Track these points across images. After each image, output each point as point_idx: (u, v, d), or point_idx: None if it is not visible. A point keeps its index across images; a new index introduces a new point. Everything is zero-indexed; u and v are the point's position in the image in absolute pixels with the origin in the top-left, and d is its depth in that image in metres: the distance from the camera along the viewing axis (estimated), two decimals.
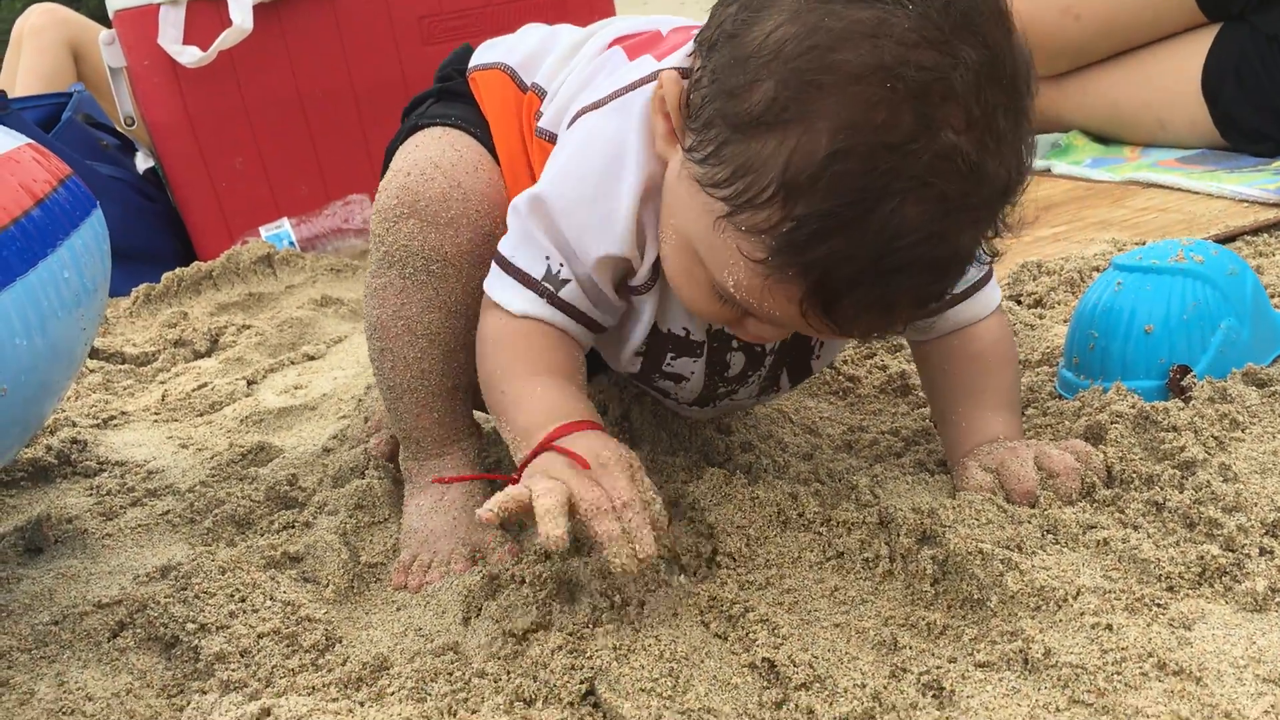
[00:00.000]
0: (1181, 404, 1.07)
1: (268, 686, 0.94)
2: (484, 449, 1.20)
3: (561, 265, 0.97)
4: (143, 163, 2.73)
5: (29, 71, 3.40)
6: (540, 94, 1.10)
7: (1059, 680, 0.76)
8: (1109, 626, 0.80)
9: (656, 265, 0.98)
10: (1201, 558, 0.85)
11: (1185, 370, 1.10)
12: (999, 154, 0.78)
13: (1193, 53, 2.08)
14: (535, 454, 0.94)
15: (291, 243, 2.46)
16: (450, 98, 1.18)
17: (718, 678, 0.85)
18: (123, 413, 1.67)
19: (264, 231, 2.48)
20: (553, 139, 1.06)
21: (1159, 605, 0.83)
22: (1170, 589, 0.85)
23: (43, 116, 2.73)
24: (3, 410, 1.02)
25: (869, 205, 0.75)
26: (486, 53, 1.19)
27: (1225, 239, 1.61)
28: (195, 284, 2.31)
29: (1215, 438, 1.03)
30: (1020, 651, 0.80)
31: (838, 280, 0.79)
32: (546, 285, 0.98)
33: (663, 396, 1.16)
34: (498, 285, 1.01)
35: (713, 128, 0.81)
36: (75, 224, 1.17)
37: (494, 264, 1.01)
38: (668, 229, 0.91)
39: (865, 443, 1.21)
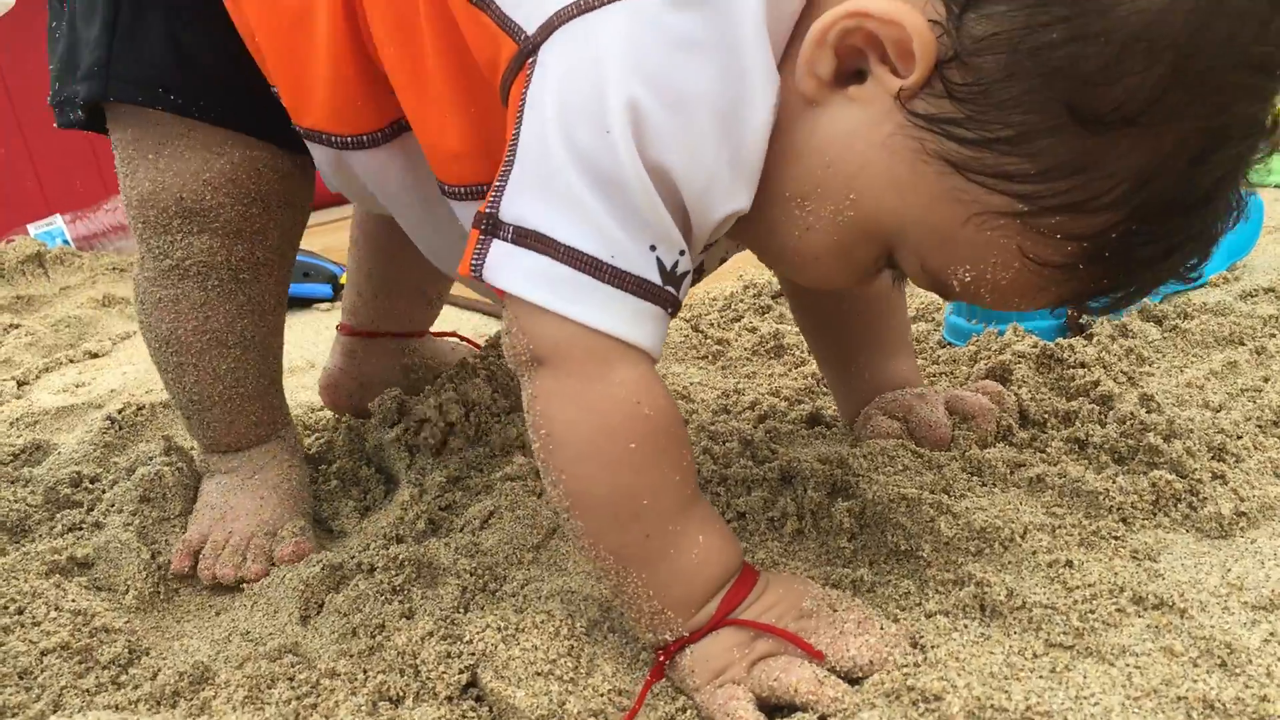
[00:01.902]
0: (1085, 341, 1.00)
1: (56, 710, 0.76)
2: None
3: (681, 253, 0.64)
4: None
5: None
6: None
7: (1030, 623, 0.66)
8: (1068, 563, 0.71)
9: None
10: (1154, 485, 0.77)
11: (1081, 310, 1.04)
12: None
13: None
14: (704, 633, 0.68)
15: (66, 241, 2.20)
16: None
17: (624, 655, 0.72)
18: None
19: (32, 229, 2.21)
20: (478, 2, 0.68)
21: (1116, 538, 0.74)
22: (1124, 520, 0.76)
23: None
24: None
25: (1211, 197, 0.61)
26: None
27: None
28: None
29: (1125, 373, 0.96)
30: (975, 597, 0.69)
31: (1149, 270, 0.64)
32: (669, 290, 0.64)
33: None
34: (611, 310, 0.63)
35: (1020, 110, 0.58)
36: None
37: (572, 272, 0.62)
38: (823, 205, 0.65)
39: (744, 404, 1.09)
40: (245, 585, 0.91)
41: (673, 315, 0.66)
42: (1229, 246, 1.18)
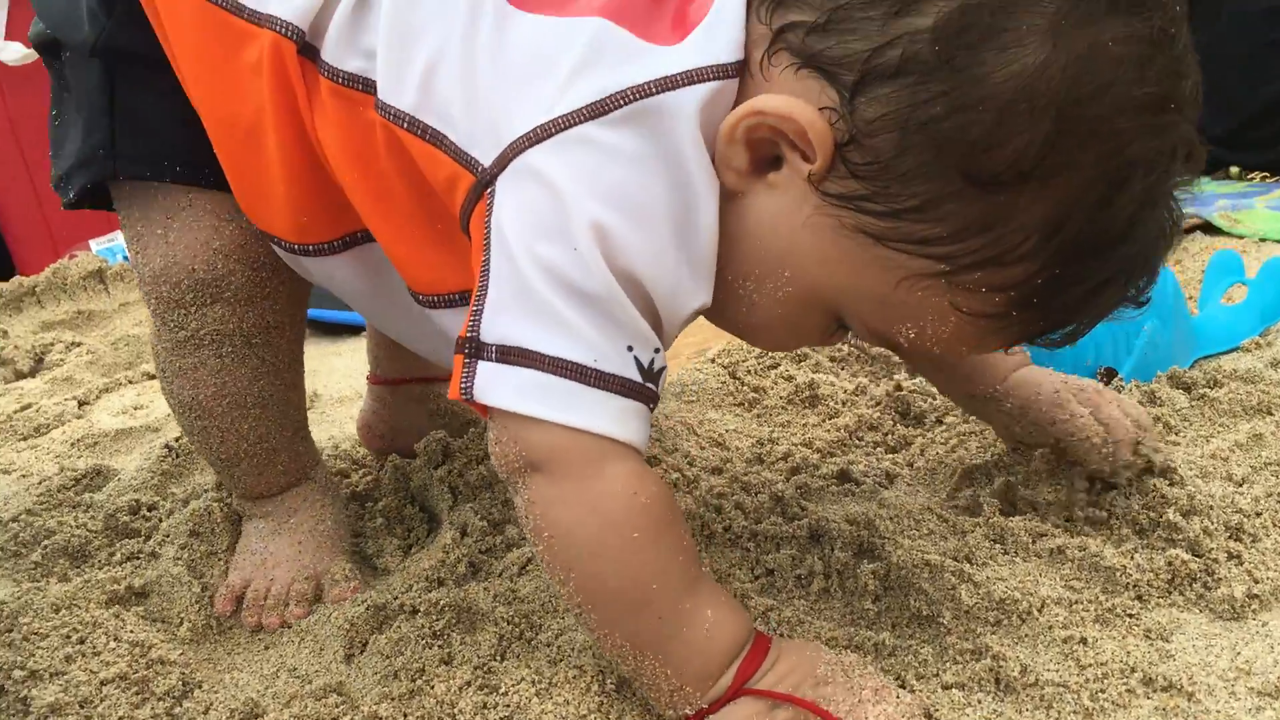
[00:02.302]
0: None
1: None
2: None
3: (656, 352, 0.69)
4: None
5: None
6: (291, 35, 0.76)
7: (1041, 700, 0.68)
8: (1083, 640, 0.73)
9: None
10: (1170, 564, 0.79)
11: (1112, 373, 1.06)
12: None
13: None
14: (723, 704, 0.71)
15: (126, 257, 2.26)
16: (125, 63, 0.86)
17: (650, 712, 0.75)
18: None
19: (95, 245, 2.28)
20: (436, 137, 0.72)
21: (1131, 615, 0.76)
22: (1139, 598, 0.79)
23: None
24: None
25: (1127, 235, 0.64)
26: None
27: None
28: (16, 300, 2.10)
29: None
30: (991, 670, 0.72)
31: (1084, 305, 0.68)
32: (649, 386, 0.68)
33: None
34: (600, 412, 0.67)
35: (920, 181, 0.62)
36: None
37: (559, 381, 0.66)
38: (763, 283, 0.70)
39: (778, 455, 1.12)
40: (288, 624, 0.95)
41: (653, 409, 0.70)
42: (1263, 311, 1.20)
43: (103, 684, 0.86)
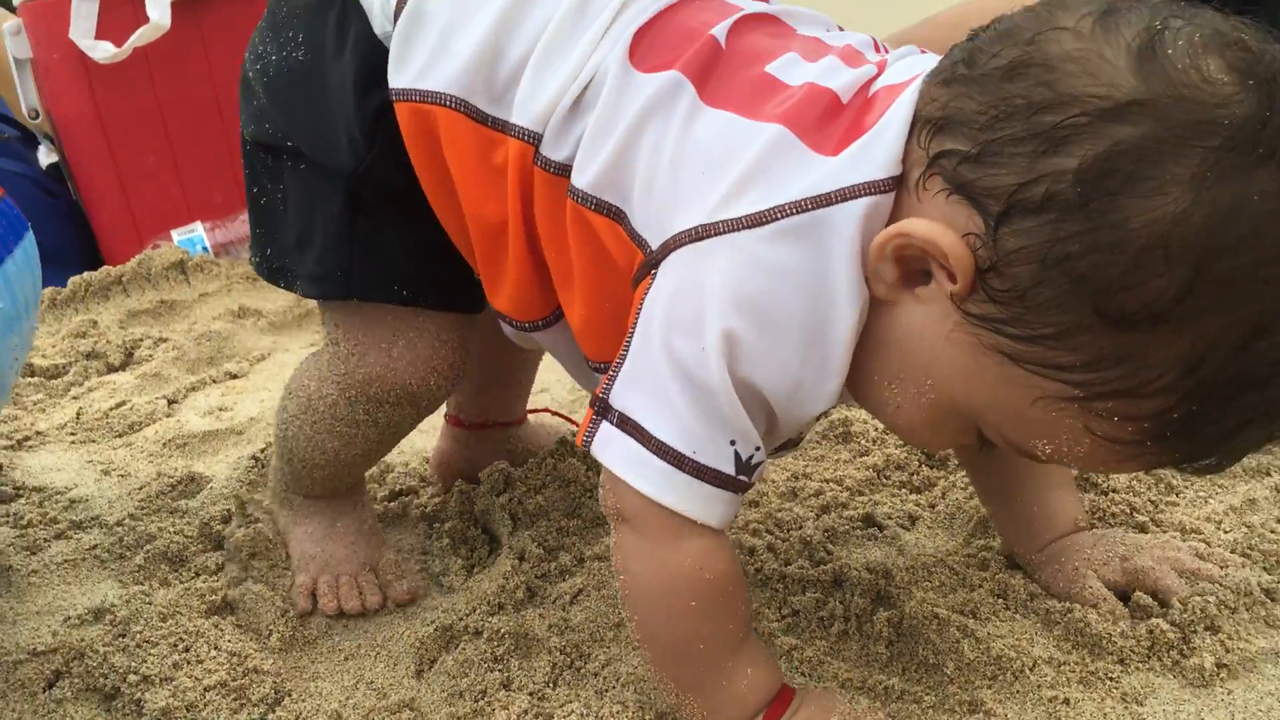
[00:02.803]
0: None
1: None
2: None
3: (756, 449, 0.76)
4: (45, 157, 2.62)
5: None
6: (528, 138, 0.84)
7: None
8: (1066, 700, 0.83)
9: None
10: (1150, 632, 0.89)
11: None
12: None
13: None
14: None
15: (205, 248, 2.40)
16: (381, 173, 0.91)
17: None
18: (37, 432, 1.61)
19: (176, 235, 2.41)
20: (616, 213, 0.81)
21: (1111, 679, 0.86)
22: (1121, 661, 0.88)
23: None
24: None
25: (1269, 379, 0.66)
26: (412, 49, 0.88)
27: None
28: (104, 289, 2.23)
29: (1152, 501, 1.07)
30: None
31: (1223, 443, 0.70)
32: (742, 478, 0.76)
33: None
34: (687, 496, 0.76)
35: (1055, 312, 0.66)
36: (9, 249, 1.12)
37: (658, 460, 0.75)
38: (907, 388, 0.75)
39: (810, 491, 1.22)
40: (368, 636, 1.07)
41: (744, 493, 0.78)
42: None
43: (206, 690, 0.98)
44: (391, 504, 1.28)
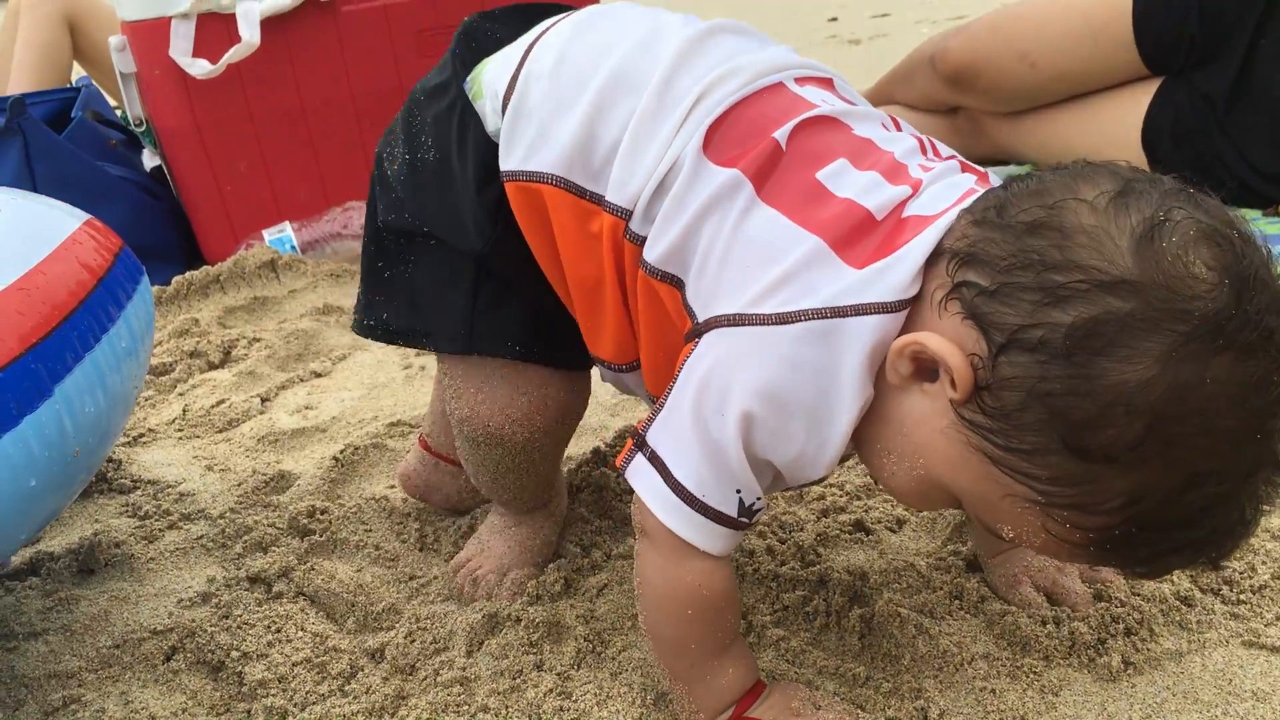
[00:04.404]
0: None
1: (303, 710, 1.13)
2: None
3: (757, 499, 0.90)
4: (149, 160, 2.87)
5: (26, 45, 3.52)
6: (620, 214, 0.97)
7: None
8: (993, 691, 1.00)
9: None
10: (1072, 634, 1.05)
11: None
12: None
13: (1136, 104, 2.26)
14: None
15: (293, 246, 2.61)
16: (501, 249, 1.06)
17: None
18: (149, 429, 1.84)
19: (267, 235, 2.63)
20: (677, 283, 0.95)
21: (1035, 674, 1.03)
22: (1046, 658, 1.05)
23: (51, 112, 2.85)
24: (77, 465, 1.19)
25: (1212, 519, 0.78)
26: (517, 140, 1.03)
27: None
28: (204, 287, 2.47)
29: None
30: (921, 710, 0.99)
31: (1157, 561, 0.82)
32: (742, 520, 0.91)
33: None
34: (691, 528, 0.91)
35: (1033, 434, 0.77)
36: (129, 294, 1.33)
37: (674, 496, 0.90)
38: (903, 461, 0.87)
39: (813, 495, 1.39)
40: (428, 621, 1.27)
41: (745, 530, 0.93)
42: None
43: (294, 665, 1.19)
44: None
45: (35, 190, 2.50)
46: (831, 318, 0.84)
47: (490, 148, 1.06)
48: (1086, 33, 2.28)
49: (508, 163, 1.03)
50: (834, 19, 6.07)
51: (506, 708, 1.09)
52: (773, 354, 0.86)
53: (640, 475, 0.93)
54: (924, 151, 0.96)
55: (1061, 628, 1.06)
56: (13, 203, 1.31)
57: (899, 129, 0.99)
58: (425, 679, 1.16)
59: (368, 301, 1.18)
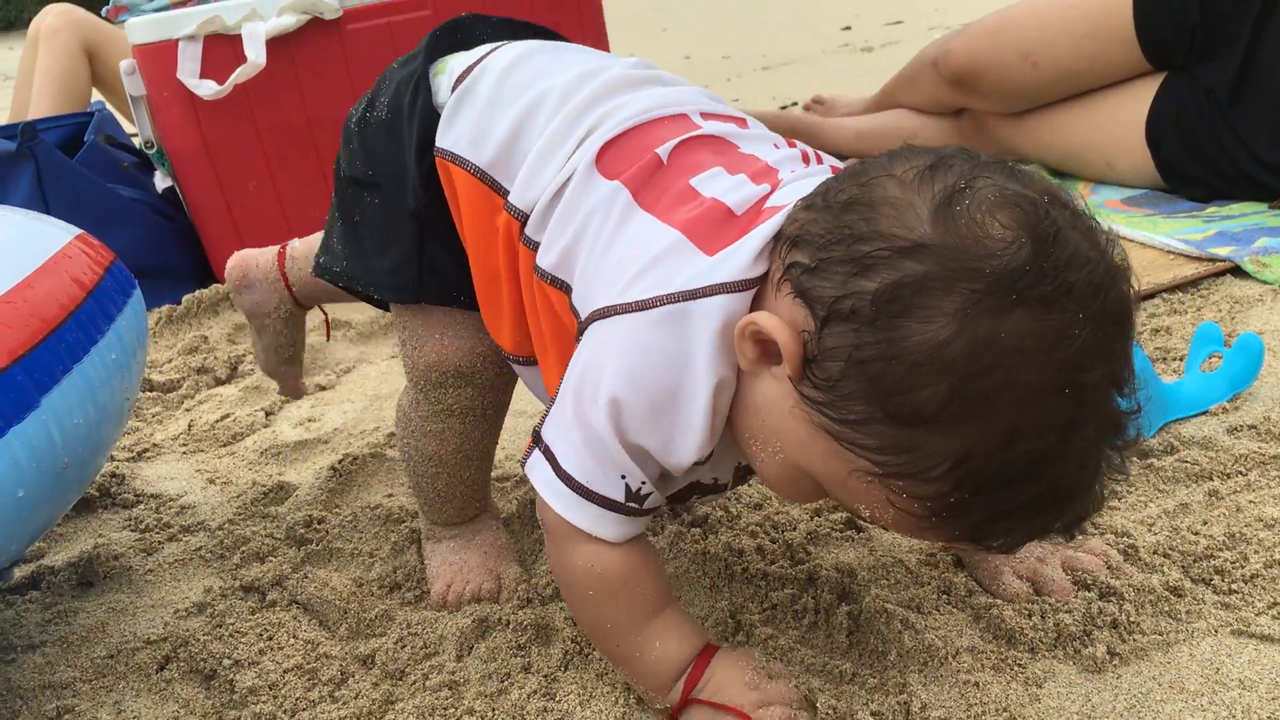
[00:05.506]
0: None
1: (292, 716, 1.13)
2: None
3: (643, 483, 0.94)
4: (161, 182, 2.90)
5: (44, 73, 3.56)
6: (518, 217, 1.04)
7: None
8: (976, 684, 0.99)
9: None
10: (1057, 625, 1.04)
11: None
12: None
13: (1139, 100, 2.24)
14: (680, 710, 1.01)
15: None
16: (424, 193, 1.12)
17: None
18: (154, 444, 1.85)
19: None
20: (565, 288, 1.00)
21: (1019, 666, 1.01)
22: (1030, 650, 1.03)
23: (65, 137, 2.89)
24: (67, 477, 1.20)
25: (1042, 478, 0.78)
26: (455, 121, 1.10)
27: (1146, 295, 1.78)
28: (214, 305, 2.49)
29: None
30: (904, 704, 0.98)
31: (997, 526, 0.82)
32: (632, 505, 0.95)
33: None
34: (581, 515, 0.95)
35: (857, 403, 0.79)
36: (120, 307, 1.34)
37: (563, 485, 0.95)
38: (765, 447, 0.90)
39: None
40: (420, 628, 1.27)
41: (642, 516, 0.96)
42: (1233, 379, 1.39)
43: (285, 672, 1.19)
44: None
45: (48, 214, 2.54)
46: (683, 301, 0.88)
47: (434, 118, 1.12)
48: (1088, 30, 2.27)
49: (443, 140, 1.11)
50: (848, 28, 6.07)
51: (492, 710, 1.08)
52: (631, 339, 0.90)
53: (535, 469, 0.98)
54: (805, 162, 1.01)
55: (1047, 620, 1.05)
56: (3, 218, 1.33)
57: (792, 146, 1.04)
58: (414, 683, 1.16)
59: (330, 247, 1.25)
